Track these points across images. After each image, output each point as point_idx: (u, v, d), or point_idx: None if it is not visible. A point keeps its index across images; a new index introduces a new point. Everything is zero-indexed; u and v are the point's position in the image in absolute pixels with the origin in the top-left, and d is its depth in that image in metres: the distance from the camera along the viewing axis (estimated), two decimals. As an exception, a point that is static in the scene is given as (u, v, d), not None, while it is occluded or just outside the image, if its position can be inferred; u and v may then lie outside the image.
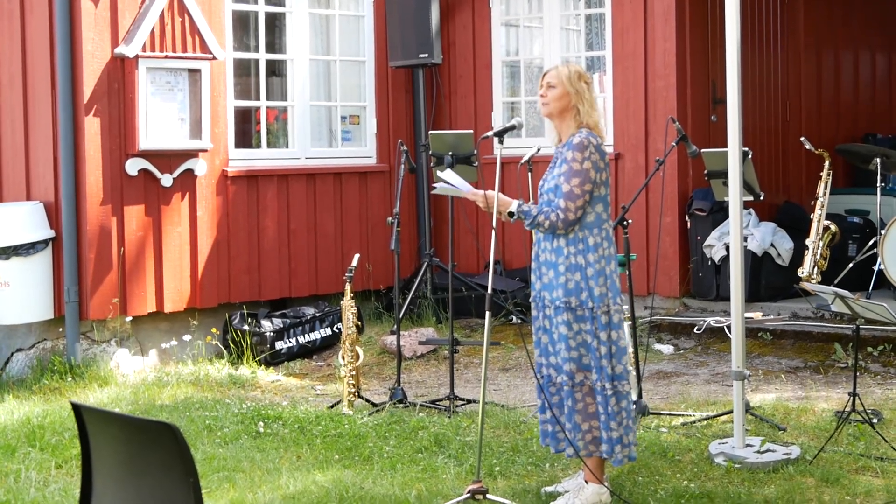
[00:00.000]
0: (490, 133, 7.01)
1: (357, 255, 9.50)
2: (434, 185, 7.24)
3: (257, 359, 10.93)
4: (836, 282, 10.59)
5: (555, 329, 6.67)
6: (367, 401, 9.22)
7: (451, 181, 6.97)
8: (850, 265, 11.26)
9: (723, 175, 8.22)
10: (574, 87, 6.67)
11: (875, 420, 7.86)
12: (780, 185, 12.91)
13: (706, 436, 7.98)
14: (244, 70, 11.90)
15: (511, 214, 6.71)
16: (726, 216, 8.95)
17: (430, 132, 10.21)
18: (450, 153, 9.46)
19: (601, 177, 6.62)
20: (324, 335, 11.47)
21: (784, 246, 11.40)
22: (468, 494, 6.68)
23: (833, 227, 11.04)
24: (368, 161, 12.54)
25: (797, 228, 11.50)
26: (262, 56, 11.81)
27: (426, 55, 12.24)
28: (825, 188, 11.02)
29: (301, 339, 11.30)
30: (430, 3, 12.19)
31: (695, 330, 10.86)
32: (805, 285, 9.69)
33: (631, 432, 6.73)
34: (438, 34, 12.36)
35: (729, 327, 8.96)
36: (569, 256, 6.60)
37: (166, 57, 10.69)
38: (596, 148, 6.60)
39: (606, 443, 6.63)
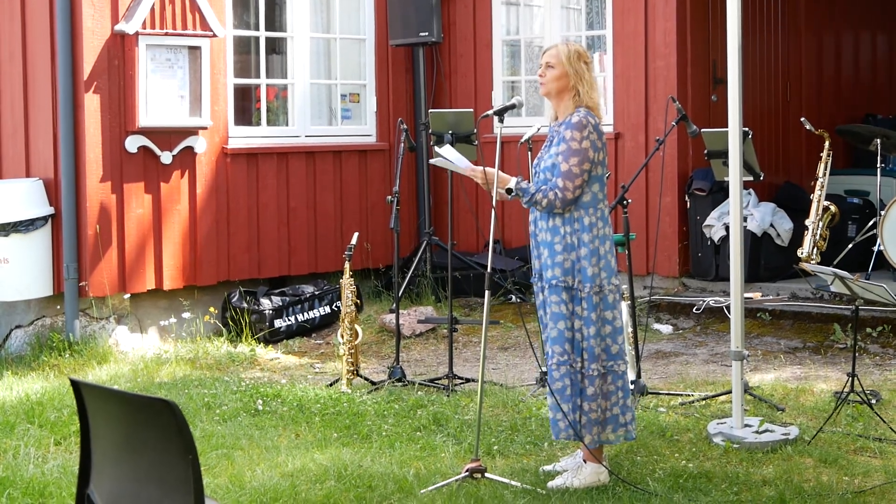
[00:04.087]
0: (490, 112, 7.02)
1: (356, 234, 9.50)
2: (432, 158, 7.23)
3: (256, 337, 10.94)
4: (835, 262, 10.58)
5: (549, 308, 6.67)
6: (366, 379, 9.23)
7: (449, 157, 6.97)
8: (850, 246, 11.25)
9: (723, 155, 8.22)
10: (573, 68, 6.66)
11: (874, 401, 7.88)
12: (780, 166, 12.89)
13: (705, 416, 7.99)
14: (244, 47, 11.88)
15: (509, 191, 6.70)
16: (726, 196, 8.95)
17: (430, 111, 10.20)
18: (450, 132, 9.45)
19: (598, 157, 6.61)
20: (323, 313, 11.48)
21: (784, 226, 11.40)
22: (466, 473, 6.70)
23: (833, 208, 11.02)
24: (368, 139, 12.53)
25: (797, 209, 11.49)
26: (262, 34, 11.79)
27: (426, 34, 12.22)
28: (825, 169, 11.01)
29: (300, 318, 11.30)
30: (430, -19, 12.18)
31: (694, 310, 10.86)
32: (804, 266, 9.67)
33: (629, 411, 6.74)
34: (439, 12, 12.34)
35: (728, 307, 8.97)
36: (565, 236, 6.60)
37: (166, 34, 10.68)
38: (594, 128, 6.59)
39: (570, 428, 6.65)
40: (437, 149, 7.38)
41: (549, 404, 6.79)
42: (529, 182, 6.79)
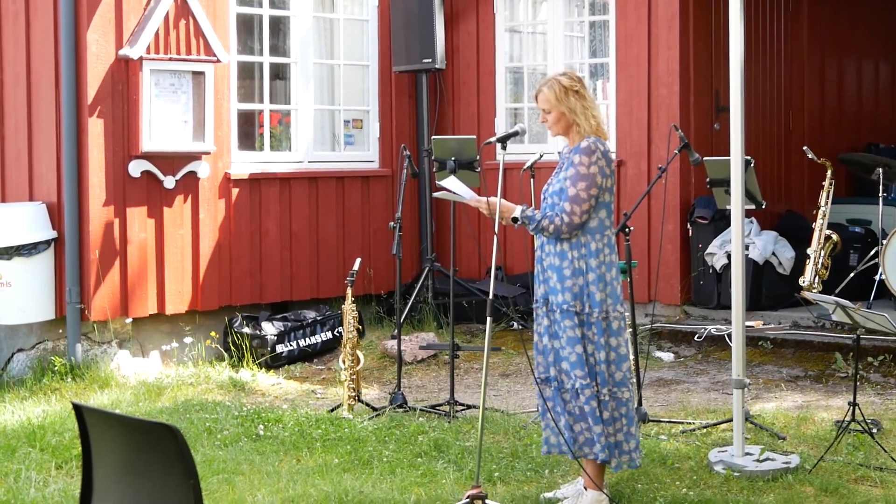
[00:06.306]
0: (493, 139, 7.02)
1: (358, 259, 9.51)
2: (435, 192, 7.24)
3: (258, 361, 10.94)
4: (837, 291, 10.58)
5: (563, 333, 6.66)
6: (368, 405, 9.22)
7: (453, 188, 6.97)
8: (852, 275, 11.25)
9: (725, 183, 8.23)
10: (566, 106, 6.69)
11: (874, 430, 7.87)
12: (782, 194, 12.91)
13: (706, 444, 7.99)
14: (248, 73, 11.91)
15: (515, 220, 6.72)
16: (728, 224, 8.95)
17: (433, 137, 10.22)
18: (452, 158, 9.47)
19: (606, 183, 6.63)
20: (325, 339, 11.48)
21: (785, 255, 11.40)
22: (467, 500, 6.68)
23: (835, 237, 11.04)
24: (371, 165, 12.55)
25: (799, 237, 11.50)
26: (266, 59, 11.82)
27: (430, 60, 12.25)
28: (827, 197, 11.03)
29: (302, 343, 11.31)
30: (434, 8, 12.20)
31: (695, 338, 10.86)
32: (806, 294, 9.69)
33: (632, 439, 6.73)
34: (442, 39, 12.37)
35: (729, 335, 8.97)
36: (573, 261, 6.61)
37: (170, 59, 10.70)
38: (603, 154, 6.62)
39: (606, 448, 6.64)
40: (439, 182, 7.39)
41: (559, 425, 6.79)
42: (535, 209, 6.80)
